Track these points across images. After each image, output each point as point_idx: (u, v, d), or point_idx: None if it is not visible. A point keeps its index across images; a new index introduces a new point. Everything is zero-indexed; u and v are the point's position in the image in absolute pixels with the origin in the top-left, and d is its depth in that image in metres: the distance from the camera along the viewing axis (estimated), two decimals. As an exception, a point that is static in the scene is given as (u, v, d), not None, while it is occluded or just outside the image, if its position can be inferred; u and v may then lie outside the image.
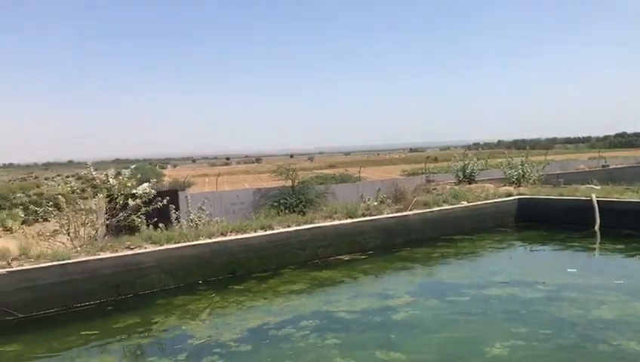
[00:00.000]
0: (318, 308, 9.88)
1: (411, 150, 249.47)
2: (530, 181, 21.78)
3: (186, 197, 17.17)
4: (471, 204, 17.55)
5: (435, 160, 74.10)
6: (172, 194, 16.57)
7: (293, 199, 20.96)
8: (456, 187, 20.70)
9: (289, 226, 13.86)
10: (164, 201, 14.27)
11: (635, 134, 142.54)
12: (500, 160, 28.57)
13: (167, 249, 11.78)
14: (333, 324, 8.89)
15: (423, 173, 31.96)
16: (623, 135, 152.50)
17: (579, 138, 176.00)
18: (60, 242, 12.69)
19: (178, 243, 12.12)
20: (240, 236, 12.89)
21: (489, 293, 10.27)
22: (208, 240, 12.45)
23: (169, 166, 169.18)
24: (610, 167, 33.23)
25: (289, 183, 22.73)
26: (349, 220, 14.81)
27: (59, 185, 14.01)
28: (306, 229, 13.83)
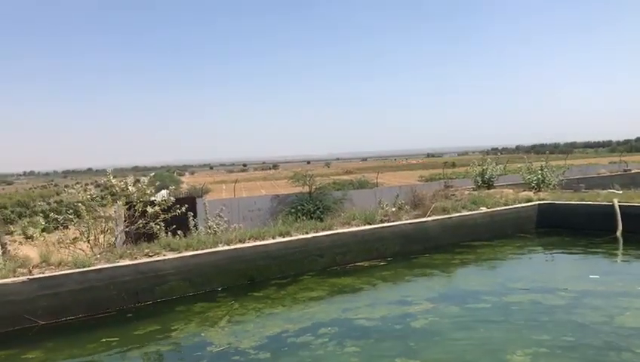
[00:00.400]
0: (337, 315, 9.83)
1: (428, 155, 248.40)
2: (550, 186, 21.53)
3: (204, 204, 17.26)
4: (490, 209, 17.38)
5: (453, 165, 73.60)
6: (190, 201, 16.65)
7: (311, 205, 20.94)
8: (475, 192, 20.54)
9: (307, 233, 13.84)
10: (183, 208, 14.34)
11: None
12: (519, 165, 28.30)
13: (185, 256, 11.82)
14: (352, 332, 8.84)
15: (441, 179, 31.78)
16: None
17: (599, 142, 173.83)
18: (80, 249, 12.80)
19: (196, 250, 12.16)
20: (258, 243, 12.90)
21: (510, 300, 10.14)
22: (226, 247, 12.47)
23: (187, 173, 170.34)
24: (632, 171, 32.75)
25: (306, 189, 22.72)
26: (367, 226, 14.75)
27: (78, 192, 14.13)
28: (324, 236, 13.81)
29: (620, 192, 18.28)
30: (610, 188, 19.35)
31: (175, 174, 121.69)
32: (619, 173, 31.41)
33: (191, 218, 14.93)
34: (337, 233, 14.07)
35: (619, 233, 15.70)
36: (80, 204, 13.28)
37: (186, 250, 12.16)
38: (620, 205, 16.17)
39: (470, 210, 17.14)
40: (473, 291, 11.10)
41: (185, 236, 13.46)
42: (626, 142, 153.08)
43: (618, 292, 10.29)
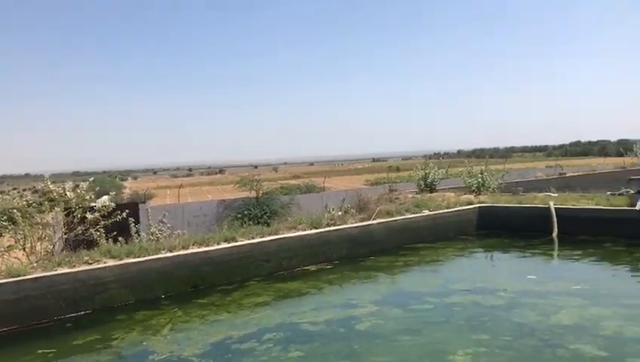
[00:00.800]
0: (283, 320, 9.82)
1: (374, 160, 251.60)
2: (490, 189, 22.20)
3: (147, 210, 16.87)
4: (433, 212, 17.77)
5: (398, 169, 74.83)
6: (132, 206, 16.22)
7: (258, 210, 20.79)
8: (418, 196, 20.94)
9: (253, 238, 13.76)
10: (124, 214, 13.99)
11: (589, 143, 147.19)
12: (460, 169, 29.01)
13: (126, 263, 11.54)
14: (297, 336, 8.85)
15: (385, 183, 32.19)
16: (577, 144, 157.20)
17: (536, 147, 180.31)
18: (16, 258, 12.27)
19: (138, 257, 11.89)
20: (202, 249, 12.73)
21: (452, 301, 10.40)
22: (169, 254, 12.25)
23: (129, 178, 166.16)
24: (567, 174, 34.15)
25: (253, 194, 22.56)
26: (314, 231, 14.80)
27: (14, 198, 13.57)
28: (270, 241, 13.76)
29: (556, 195, 19.03)
30: (547, 192, 20.10)
31: (117, 179, 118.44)
32: (555, 176, 32.69)
33: (132, 224, 14.57)
34: (284, 237, 14.06)
35: (555, 234, 16.33)
36: (16, 211, 12.75)
37: (128, 257, 11.87)
38: (555, 208, 16.83)
39: (414, 213, 17.47)
40: (416, 293, 11.32)
41: (126, 243, 13.14)
42: (561, 146, 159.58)
43: (554, 292, 10.70)
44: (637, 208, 15.23)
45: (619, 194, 17.03)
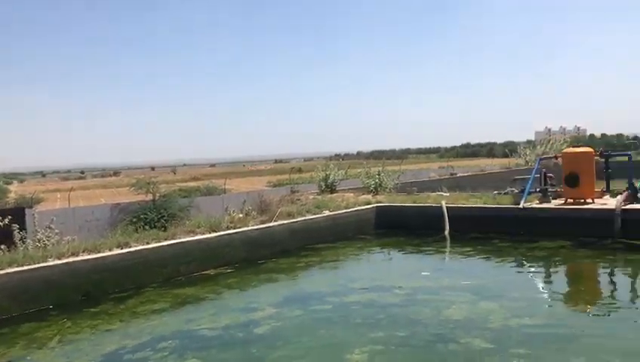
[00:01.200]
0: (179, 327, 9.54)
1: (276, 161, 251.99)
2: (387, 189, 22.91)
3: (33, 215, 15.79)
4: (333, 213, 18.04)
5: (300, 171, 75.35)
6: (16, 212, 15.14)
7: (154, 214, 20.11)
8: (319, 197, 21.19)
9: (148, 243, 13.27)
10: (6, 220, 13.02)
11: (479, 144, 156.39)
12: (359, 170, 29.73)
13: (9, 273, 10.72)
14: (193, 343, 8.63)
15: (288, 184, 32.33)
16: (467, 145, 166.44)
17: (430, 148, 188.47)
18: None
19: (22, 266, 11.09)
20: (93, 256, 12.10)
21: (350, 300, 10.59)
22: (57, 262, 11.53)
23: (15, 181, 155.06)
24: (458, 175, 36.00)
25: (150, 197, 21.80)
26: (213, 234, 14.53)
27: None
28: (167, 246, 13.33)
29: (447, 195, 19.96)
30: (439, 191, 21.04)
31: (1, 183, 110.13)
32: (446, 177, 34.33)
33: (17, 231, 13.59)
34: (181, 242, 13.68)
35: (447, 232, 17.12)
36: None
37: (10, 266, 11.04)
38: (447, 206, 17.66)
39: (314, 214, 17.65)
40: (316, 293, 11.44)
41: (9, 251, 12.24)
42: (453, 148, 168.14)
43: (445, 287, 11.21)
44: (520, 206, 16.31)
45: (504, 193, 18.13)
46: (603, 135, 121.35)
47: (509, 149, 48.01)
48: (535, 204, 16.66)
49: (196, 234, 14.48)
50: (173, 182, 64.79)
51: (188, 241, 13.78)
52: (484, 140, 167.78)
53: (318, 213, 17.75)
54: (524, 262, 13.67)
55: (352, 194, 21.56)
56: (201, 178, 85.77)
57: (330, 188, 23.96)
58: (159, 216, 19.71)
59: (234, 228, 15.15)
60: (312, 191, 24.18)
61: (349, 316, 9.58)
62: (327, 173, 24.40)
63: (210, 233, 14.57)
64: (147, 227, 17.09)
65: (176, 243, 13.56)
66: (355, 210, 18.83)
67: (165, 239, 13.72)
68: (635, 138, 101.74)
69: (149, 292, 12.00)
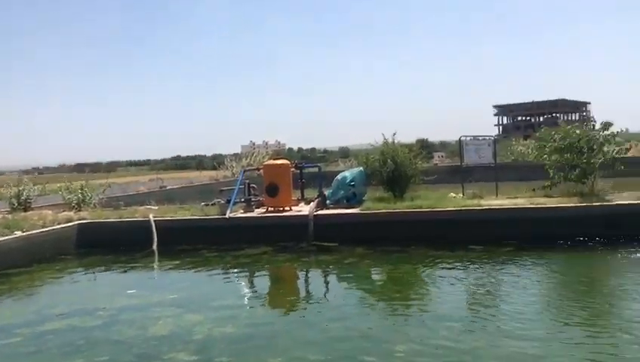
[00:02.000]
0: None
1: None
2: (91, 205, 21.58)
3: None
4: (27, 233, 16.20)
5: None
6: None
7: None
8: (10, 216, 18.86)
9: None
10: None
11: (189, 157, 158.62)
12: (60, 184, 27.41)
13: None
14: None
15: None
16: (178, 158, 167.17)
17: (140, 161, 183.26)
18: None
19: None
20: None
21: (45, 328, 9.62)
22: None
23: None
24: (168, 187, 35.88)
25: None
26: None
27: None
28: None
29: (156, 208, 19.71)
30: (147, 205, 20.64)
31: None
32: (156, 189, 33.92)
33: None
34: None
35: (155, 246, 16.87)
36: None
37: None
38: (155, 220, 17.43)
39: (4, 236, 15.63)
40: (4, 326, 10.09)
41: None
42: (163, 160, 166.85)
43: (152, 303, 11.01)
44: (227, 216, 17.04)
45: (212, 204, 18.68)
46: (299, 148, 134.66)
47: (217, 162, 49.73)
48: (240, 214, 17.61)
49: None
50: None
51: None
52: (193, 153, 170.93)
53: (8, 235, 15.76)
54: (230, 271, 14.29)
55: (50, 212, 19.70)
56: None
57: (25, 206, 21.52)
58: None
59: None
60: (1, 210, 21.40)
61: (42, 346, 8.68)
62: (21, 188, 21.90)
63: None
64: None
65: None
66: (54, 229, 17.24)
67: None
68: (325, 152, 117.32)
69: None
